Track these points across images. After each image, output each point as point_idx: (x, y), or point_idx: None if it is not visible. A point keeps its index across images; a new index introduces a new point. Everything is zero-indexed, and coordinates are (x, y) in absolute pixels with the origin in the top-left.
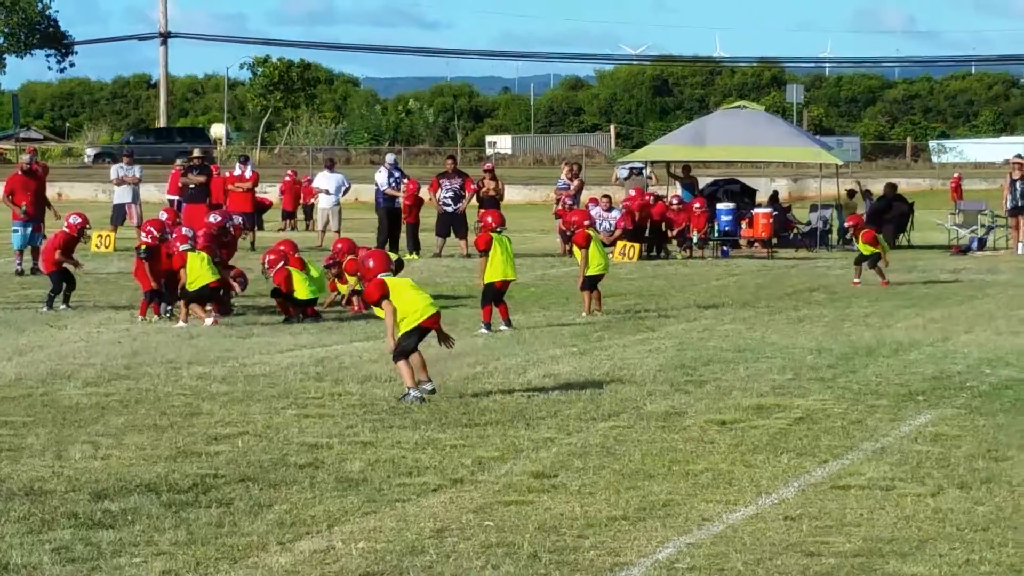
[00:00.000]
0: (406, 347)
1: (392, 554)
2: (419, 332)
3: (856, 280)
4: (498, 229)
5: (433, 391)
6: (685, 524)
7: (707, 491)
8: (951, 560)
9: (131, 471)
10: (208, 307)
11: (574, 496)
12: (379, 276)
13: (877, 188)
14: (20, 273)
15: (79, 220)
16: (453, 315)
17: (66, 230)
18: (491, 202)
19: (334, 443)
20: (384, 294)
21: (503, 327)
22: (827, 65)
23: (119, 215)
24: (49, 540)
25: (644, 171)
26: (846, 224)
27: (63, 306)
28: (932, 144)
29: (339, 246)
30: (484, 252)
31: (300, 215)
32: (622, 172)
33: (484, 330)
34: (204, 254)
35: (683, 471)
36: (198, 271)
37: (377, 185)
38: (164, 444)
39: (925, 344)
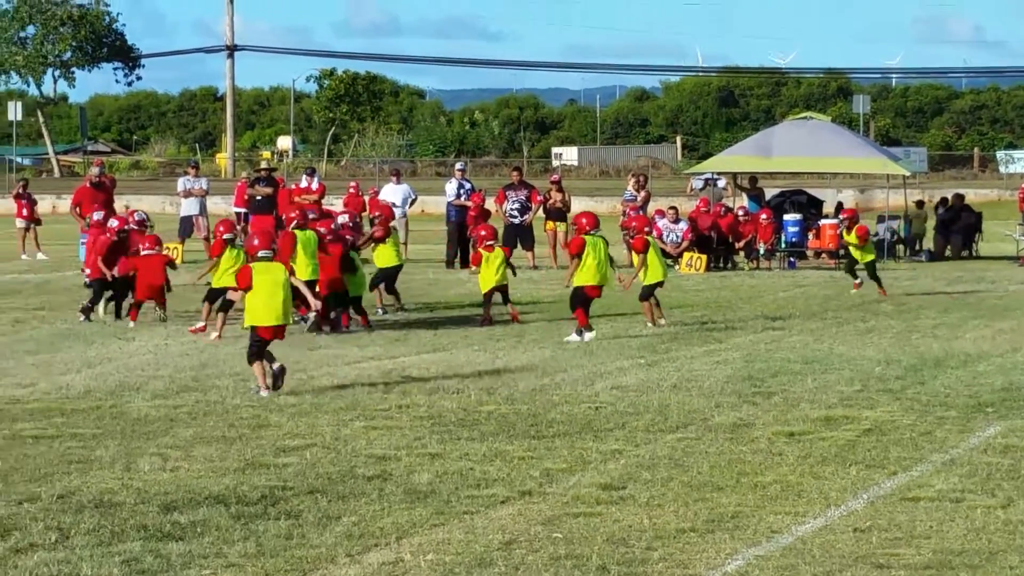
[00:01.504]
0: (255, 351)
1: (461, 566)
2: (261, 340)
3: (857, 283)
4: (593, 232)
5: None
6: (754, 536)
7: (776, 503)
8: (1021, 572)
9: (200, 483)
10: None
11: (642, 508)
12: (258, 255)
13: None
14: (89, 285)
15: (117, 223)
16: (520, 328)
17: (108, 235)
18: (558, 214)
19: (402, 455)
20: (247, 287)
21: (573, 336)
22: (894, 76)
23: (187, 227)
24: (119, 552)
25: (719, 182)
26: (842, 216)
27: (112, 317)
28: (999, 155)
29: (377, 212)
30: (576, 256)
31: (366, 227)
32: (697, 183)
33: (585, 335)
34: (242, 254)
35: (751, 483)
36: (224, 268)
37: (448, 196)
38: (232, 456)
39: (994, 355)
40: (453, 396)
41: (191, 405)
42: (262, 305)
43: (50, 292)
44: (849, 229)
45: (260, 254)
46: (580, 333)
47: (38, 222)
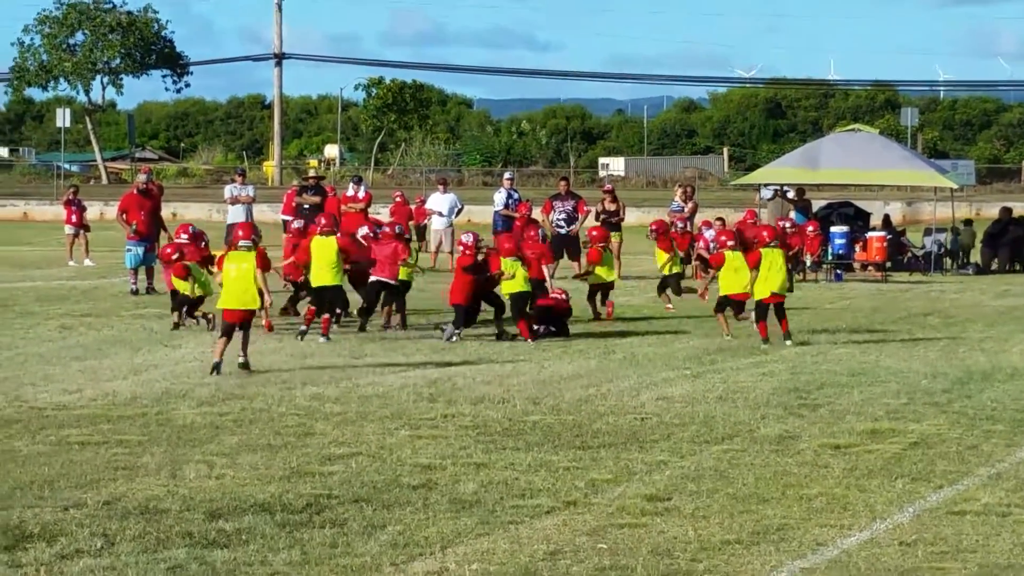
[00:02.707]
0: (223, 330)
1: None
2: (227, 323)
3: (669, 305)
4: (771, 244)
5: (214, 367)
6: (799, 549)
7: (821, 515)
8: None
9: (245, 491)
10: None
11: (688, 519)
12: (237, 246)
13: (992, 212)
14: (135, 292)
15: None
16: (565, 339)
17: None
18: (613, 224)
19: (447, 464)
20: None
21: (787, 342)
22: (942, 88)
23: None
24: (164, 559)
25: (788, 193)
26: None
27: (188, 321)
28: None
29: (507, 245)
30: (755, 267)
31: (413, 236)
32: (766, 193)
33: (763, 345)
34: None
35: (797, 495)
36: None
37: (495, 206)
38: (278, 464)
39: None
40: (499, 406)
41: (237, 412)
42: (227, 291)
43: (97, 298)
44: (659, 240)
45: (240, 244)
46: (766, 342)
47: (87, 228)
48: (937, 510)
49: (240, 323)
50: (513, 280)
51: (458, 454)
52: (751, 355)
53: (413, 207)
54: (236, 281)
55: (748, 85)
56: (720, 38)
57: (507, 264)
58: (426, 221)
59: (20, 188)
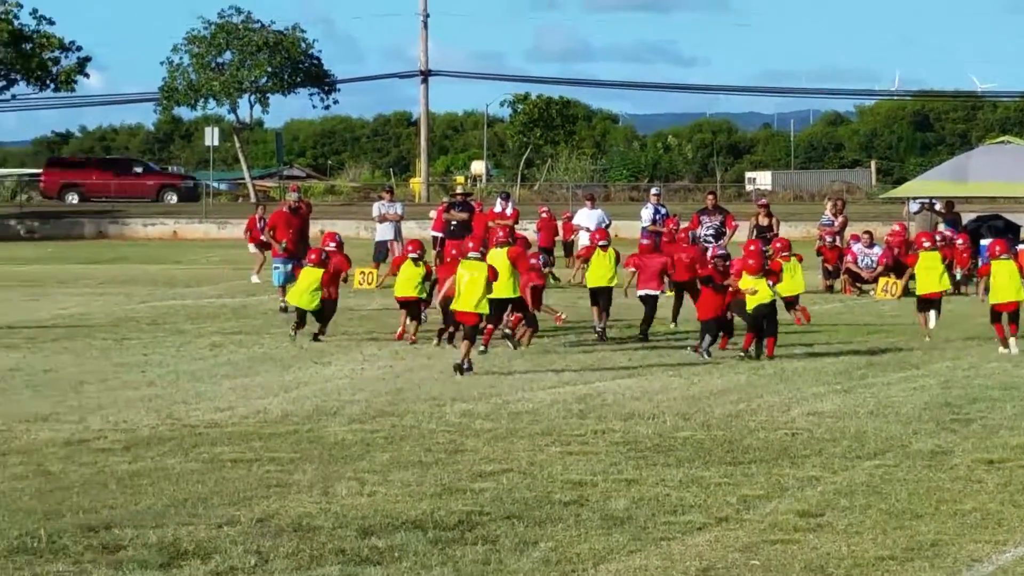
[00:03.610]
0: (462, 334)
1: None
2: (465, 326)
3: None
4: (1001, 256)
5: (460, 368)
6: (954, 565)
7: (976, 531)
8: None
9: (397, 508)
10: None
11: (841, 535)
12: (468, 255)
13: None
14: (284, 310)
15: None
16: (716, 353)
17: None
18: (765, 239)
19: (598, 480)
20: (453, 273)
21: (1012, 348)
22: None
23: (381, 252)
24: None
25: (936, 205)
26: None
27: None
28: None
29: (751, 262)
30: (984, 276)
31: (560, 252)
32: (914, 206)
33: (1000, 348)
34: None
35: (951, 511)
36: (405, 278)
37: (642, 221)
38: (429, 481)
39: None
40: (649, 422)
41: (387, 430)
42: (462, 294)
43: (247, 316)
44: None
45: (470, 255)
46: (1005, 344)
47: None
48: None
49: (471, 324)
50: (756, 295)
51: (609, 470)
52: (901, 369)
53: (560, 223)
54: (468, 287)
55: (896, 98)
56: (861, 51)
57: (748, 281)
58: (573, 237)
59: (170, 207)
